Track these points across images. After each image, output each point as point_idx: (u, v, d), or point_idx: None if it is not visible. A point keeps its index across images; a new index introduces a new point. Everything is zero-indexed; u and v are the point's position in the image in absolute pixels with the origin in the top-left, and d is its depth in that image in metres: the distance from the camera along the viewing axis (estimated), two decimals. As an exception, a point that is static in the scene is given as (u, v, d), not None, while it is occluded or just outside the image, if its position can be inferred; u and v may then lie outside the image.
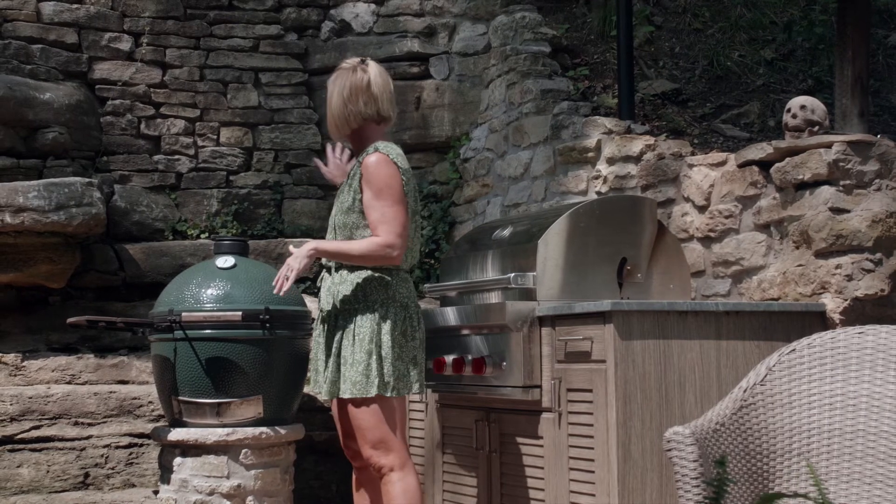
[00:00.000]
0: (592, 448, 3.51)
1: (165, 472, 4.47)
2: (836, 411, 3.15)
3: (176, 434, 4.39)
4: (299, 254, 3.61)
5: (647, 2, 6.85)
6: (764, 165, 4.12)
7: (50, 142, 6.22)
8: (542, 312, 3.78)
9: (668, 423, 3.44)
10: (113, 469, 4.86)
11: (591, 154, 5.32)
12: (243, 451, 4.37)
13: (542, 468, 3.76)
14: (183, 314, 4.35)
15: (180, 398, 4.39)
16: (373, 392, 3.55)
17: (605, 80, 6.17)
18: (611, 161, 5.15)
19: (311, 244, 3.63)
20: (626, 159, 5.05)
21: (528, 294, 3.92)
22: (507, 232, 4.25)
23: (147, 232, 6.40)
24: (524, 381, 3.77)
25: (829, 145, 3.84)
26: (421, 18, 6.84)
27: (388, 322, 3.58)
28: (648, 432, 3.45)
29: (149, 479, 4.87)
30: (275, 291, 3.61)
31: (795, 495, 2.66)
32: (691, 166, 4.55)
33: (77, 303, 5.83)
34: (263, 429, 4.40)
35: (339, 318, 3.65)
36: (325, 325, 3.72)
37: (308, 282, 6.21)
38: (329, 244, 3.65)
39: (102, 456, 4.87)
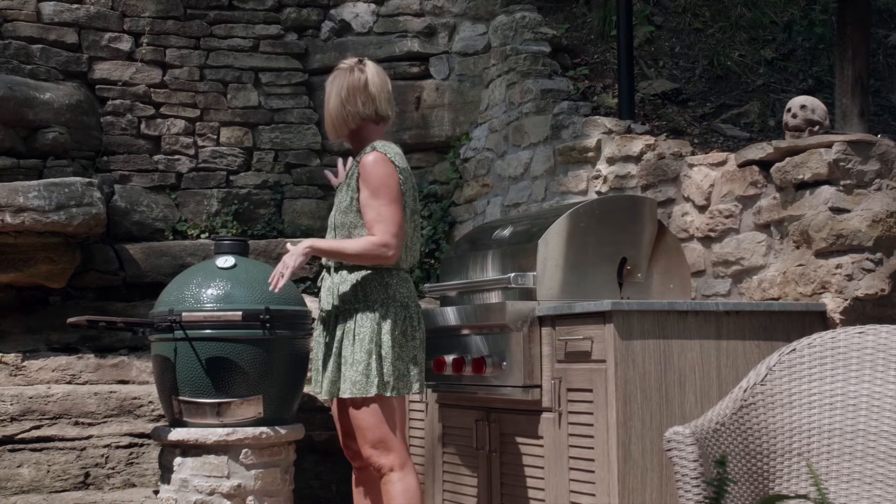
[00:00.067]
0: (592, 448, 3.51)
1: (166, 472, 4.47)
2: (836, 411, 3.15)
3: (176, 434, 4.40)
4: (295, 251, 3.61)
5: (647, 1, 6.85)
6: (764, 165, 4.12)
7: (50, 142, 6.22)
8: (543, 312, 3.78)
9: (668, 423, 3.44)
10: (113, 469, 4.86)
11: (591, 154, 5.32)
12: (243, 450, 4.37)
13: (542, 468, 3.76)
14: (183, 314, 4.35)
15: (180, 398, 4.40)
16: (373, 392, 3.55)
17: (605, 79, 6.17)
18: (611, 161, 5.15)
19: (306, 242, 3.63)
20: (627, 159, 5.05)
21: (529, 294, 3.92)
22: (507, 232, 4.25)
23: (147, 232, 6.40)
24: (524, 380, 3.77)
25: (829, 145, 3.84)
26: (421, 18, 6.84)
27: (388, 322, 3.59)
28: (648, 432, 3.45)
29: (149, 479, 4.87)
30: (270, 288, 3.62)
31: (797, 496, 2.66)
32: (691, 166, 4.55)
33: (77, 303, 5.83)
34: (263, 429, 4.40)
35: (339, 318, 3.65)
36: (326, 325, 3.72)
37: (308, 282, 6.22)
38: (325, 242, 3.66)
39: (103, 456, 4.87)
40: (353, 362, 3.57)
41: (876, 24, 6.40)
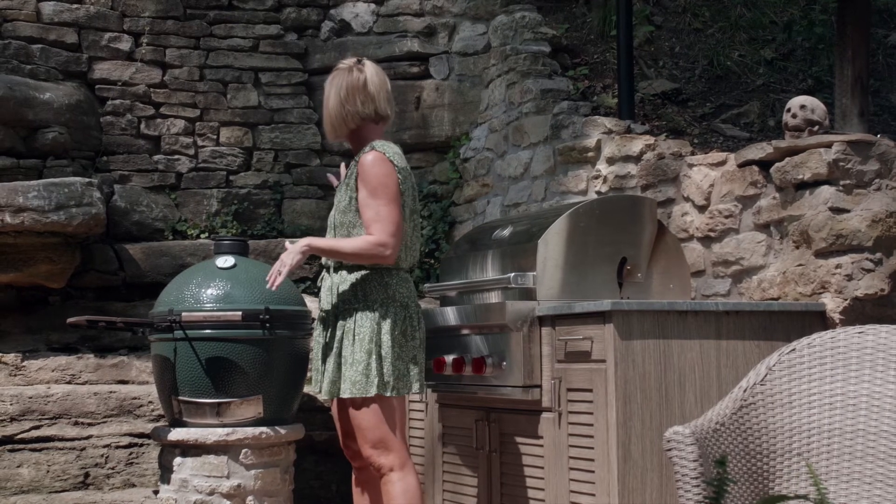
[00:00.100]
0: (592, 448, 3.51)
1: (165, 472, 4.47)
2: (836, 411, 3.15)
3: (176, 434, 4.39)
4: (293, 249, 3.61)
5: (647, 1, 6.85)
6: (764, 165, 4.12)
7: (50, 142, 6.22)
8: (542, 312, 3.78)
9: (668, 423, 3.44)
10: (113, 469, 4.86)
11: (590, 154, 5.32)
12: (243, 450, 4.37)
13: (542, 468, 3.76)
14: (183, 314, 4.35)
15: (180, 398, 4.39)
16: (372, 392, 3.55)
17: (604, 79, 6.17)
18: (611, 161, 5.15)
19: (304, 240, 3.63)
20: (626, 159, 5.05)
21: (528, 294, 3.92)
22: (507, 232, 4.25)
23: (147, 232, 6.40)
24: (524, 380, 3.77)
25: (829, 145, 3.84)
26: (421, 18, 6.84)
27: (388, 322, 3.59)
28: (648, 432, 3.45)
29: (149, 479, 4.87)
30: (268, 286, 3.62)
31: (796, 496, 2.66)
32: (691, 166, 4.55)
33: (77, 303, 5.83)
34: (263, 429, 4.40)
35: (339, 318, 3.65)
36: (326, 325, 3.72)
37: (308, 282, 6.22)
38: (322, 241, 3.66)
39: (102, 456, 4.87)
40: (352, 362, 3.57)
41: (876, 24, 6.40)
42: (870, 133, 4.21)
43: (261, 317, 4.35)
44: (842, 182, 3.83)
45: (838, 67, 5.15)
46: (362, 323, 3.59)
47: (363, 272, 3.64)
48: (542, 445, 3.76)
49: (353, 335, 3.59)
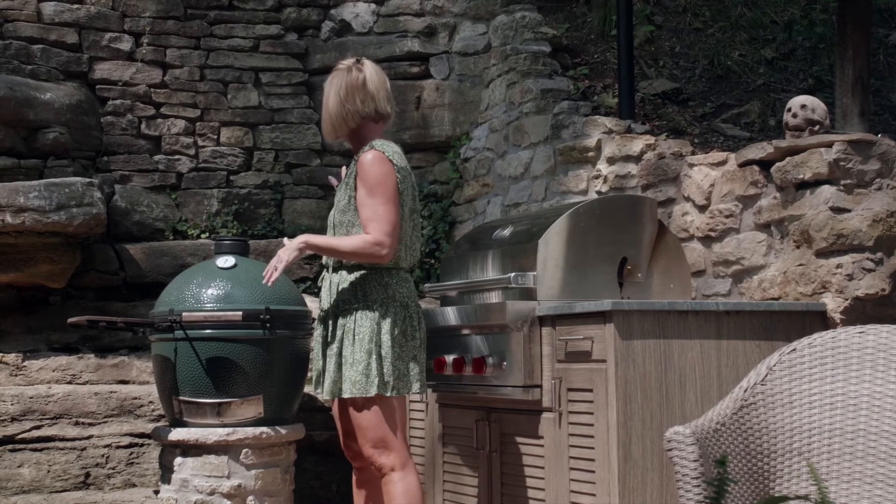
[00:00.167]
0: (593, 448, 3.51)
1: (166, 472, 4.47)
2: (836, 411, 3.15)
3: (176, 434, 4.40)
4: (290, 246, 3.62)
5: (648, 1, 6.85)
6: (764, 165, 4.12)
7: (50, 142, 6.22)
8: (543, 312, 3.78)
9: (668, 423, 3.44)
10: (114, 469, 4.87)
11: (591, 154, 5.32)
12: (244, 450, 4.37)
13: (542, 468, 3.76)
14: (183, 314, 4.35)
15: (181, 398, 4.39)
16: (373, 392, 3.55)
17: (605, 79, 6.16)
18: (611, 161, 5.15)
19: (301, 237, 3.64)
20: (627, 159, 5.05)
21: (529, 294, 3.92)
22: (507, 231, 4.25)
23: (147, 232, 6.40)
24: (524, 380, 3.76)
25: (829, 144, 3.84)
26: (421, 18, 6.84)
27: (388, 321, 3.59)
28: (649, 432, 3.45)
29: (149, 479, 4.87)
30: (264, 282, 3.62)
31: (797, 497, 2.66)
32: (692, 166, 4.55)
33: (77, 303, 5.83)
34: (264, 429, 4.40)
35: (339, 318, 3.65)
36: (326, 325, 3.72)
37: (308, 282, 6.22)
38: (319, 238, 3.66)
39: (103, 456, 4.87)
40: (353, 362, 3.57)
41: (876, 23, 6.39)
42: (870, 133, 4.21)
43: (261, 317, 4.35)
44: (842, 182, 3.82)
45: (839, 67, 5.15)
46: (362, 323, 3.59)
47: (363, 272, 3.64)
48: (542, 445, 3.76)
49: (353, 335, 3.59)
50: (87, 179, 5.57)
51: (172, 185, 6.65)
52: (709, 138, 5.43)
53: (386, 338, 3.57)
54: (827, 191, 3.84)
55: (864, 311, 3.74)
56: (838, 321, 3.74)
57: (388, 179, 3.58)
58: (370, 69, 3.72)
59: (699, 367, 3.54)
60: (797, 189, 3.95)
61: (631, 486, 3.41)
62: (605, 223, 4.06)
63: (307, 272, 6.25)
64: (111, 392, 5.00)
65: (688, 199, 4.54)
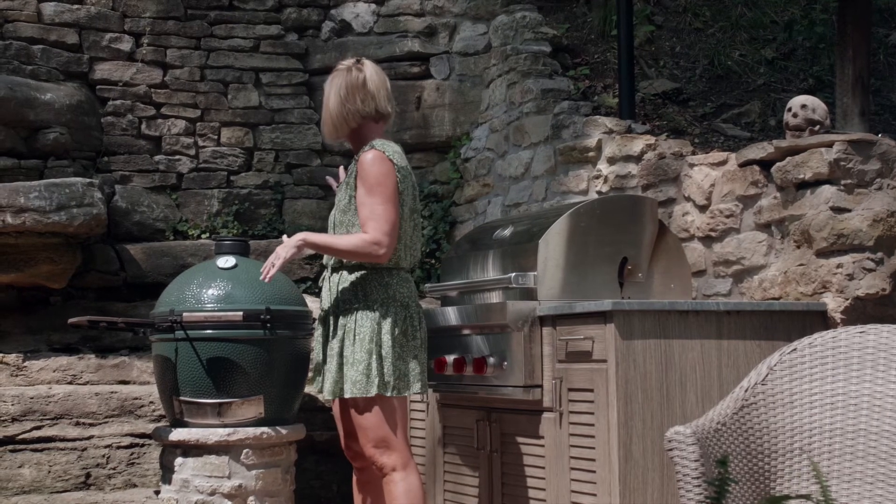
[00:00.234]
0: (593, 448, 3.51)
1: (167, 473, 4.47)
2: (837, 411, 3.15)
3: (177, 434, 4.40)
4: (288, 243, 3.62)
5: (648, 1, 6.85)
6: (765, 165, 4.12)
7: (51, 142, 6.22)
8: (543, 312, 3.78)
9: (669, 423, 3.44)
10: (114, 469, 4.87)
11: (591, 154, 5.32)
12: (244, 451, 4.37)
13: (543, 468, 3.76)
14: (184, 314, 4.35)
15: (181, 398, 4.40)
16: (373, 392, 3.55)
17: (605, 79, 6.17)
18: (611, 161, 5.15)
19: (300, 235, 3.64)
20: (627, 159, 5.05)
21: (529, 294, 3.92)
22: (507, 232, 4.25)
23: (148, 232, 6.40)
24: (525, 380, 3.76)
25: (829, 144, 3.84)
26: (421, 18, 6.84)
27: (389, 321, 3.59)
28: (650, 432, 3.45)
29: (150, 480, 4.87)
30: (261, 278, 3.62)
31: (799, 496, 2.66)
32: (692, 166, 4.55)
33: (78, 303, 5.83)
34: (264, 429, 4.40)
35: (339, 318, 3.65)
36: (326, 325, 3.72)
37: (309, 282, 6.22)
38: (317, 236, 3.66)
39: (104, 456, 4.87)
40: (353, 362, 3.57)
41: (876, 23, 6.40)
42: (871, 132, 4.21)
43: (262, 317, 4.35)
44: (843, 181, 3.82)
45: (839, 67, 5.15)
46: (363, 323, 3.59)
47: (364, 272, 3.64)
48: (543, 445, 3.76)
49: (354, 335, 3.59)
50: (88, 180, 5.57)
51: (173, 186, 6.66)
52: (709, 138, 5.43)
53: (386, 338, 3.57)
54: (827, 191, 3.84)
55: (864, 311, 3.75)
56: (839, 321, 3.74)
57: (388, 179, 3.58)
58: (370, 69, 3.73)
59: (700, 366, 3.54)
60: (797, 189, 3.95)
61: (632, 486, 3.41)
62: (605, 223, 4.06)
63: (308, 272, 6.25)
64: (112, 392, 5.00)
65: (688, 199, 4.54)
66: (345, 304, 3.64)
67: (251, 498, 4.37)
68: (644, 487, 3.42)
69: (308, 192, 6.83)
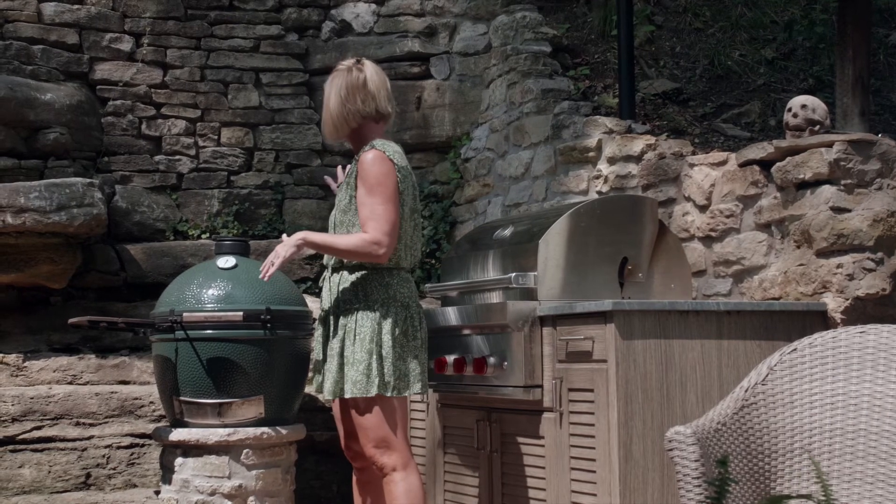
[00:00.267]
0: (594, 448, 3.51)
1: (167, 473, 4.47)
2: (837, 411, 3.15)
3: (177, 434, 4.40)
4: (288, 242, 3.62)
5: (648, 1, 6.85)
6: (765, 165, 4.12)
7: (51, 142, 6.22)
8: (544, 312, 3.78)
9: (669, 423, 3.44)
10: (114, 469, 4.87)
11: (591, 154, 5.32)
12: (245, 451, 4.37)
13: (543, 468, 3.76)
14: (184, 314, 4.35)
15: (182, 398, 4.40)
16: (373, 392, 3.55)
17: (605, 79, 6.17)
18: (612, 161, 5.15)
19: (300, 234, 3.64)
20: (627, 159, 5.05)
21: (529, 294, 3.92)
22: (507, 232, 4.25)
23: (148, 232, 6.40)
24: (525, 380, 3.76)
25: (830, 144, 3.84)
26: (421, 18, 6.84)
27: (389, 322, 3.59)
28: (650, 432, 3.45)
29: (150, 480, 4.87)
30: (260, 276, 3.63)
31: (800, 496, 2.66)
32: (692, 166, 4.55)
33: (78, 303, 5.83)
34: (265, 429, 4.40)
35: (340, 318, 3.65)
36: (327, 325, 3.72)
37: (309, 282, 6.22)
38: (317, 236, 3.66)
39: (104, 456, 4.87)
40: (353, 362, 3.57)
41: (877, 23, 6.40)
42: (871, 132, 4.21)
43: (262, 317, 4.35)
44: (843, 181, 3.82)
45: (839, 67, 5.15)
46: (363, 323, 3.59)
47: (364, 272, 3.65)
48: (543, 445, 3.76)
49: (355, 335, 3.59)
50: (88, 180, 5.57)
51: (173, 186, 6.66)
52: (709, 138, 5.43)
53: (387, 338, 3.57)
54: (827, 191, 3.84)
55: (864, 311, 3.75)
56: (839, 321, 3.74)
57: (388, 179, 3.58)
58: (370, 69, 3.73)
59: (700, 366, 3.54)
60: (797, 189, 3.95)
61: (632, 486, 3.41)
62: (605, 223, 4.06)
63: (308, 272, 6.25)
64: (112, 392, 5.00)
65: (688, 199, 4.54)
66: (345, 304, 3.64)
67: (251, 498, 4.37)
68: (644, 487, 3.42)
69: (308, 192, 6.83)
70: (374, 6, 6.93)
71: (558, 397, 3.67)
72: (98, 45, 6.65)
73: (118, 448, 4.89)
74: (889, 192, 3.83)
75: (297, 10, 6.97)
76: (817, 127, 3.98)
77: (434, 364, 4.11)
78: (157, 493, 4.68)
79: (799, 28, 6.52)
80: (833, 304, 3.76)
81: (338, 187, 3.87)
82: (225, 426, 4.37)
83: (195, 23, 6.83)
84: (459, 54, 6.75)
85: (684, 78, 6.25)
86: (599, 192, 5.19)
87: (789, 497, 2.52)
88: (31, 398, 4.89)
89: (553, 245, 3.94)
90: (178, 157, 6.70)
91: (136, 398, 5.00)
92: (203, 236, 6.49)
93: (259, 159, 6.83)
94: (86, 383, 5.26)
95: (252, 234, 6.58)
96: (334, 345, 3.64)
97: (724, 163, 4.37)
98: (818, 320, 3.76)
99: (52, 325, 5.66)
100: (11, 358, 5.27)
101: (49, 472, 4.80)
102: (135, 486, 4.87)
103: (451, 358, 4.07)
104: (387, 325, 3.58)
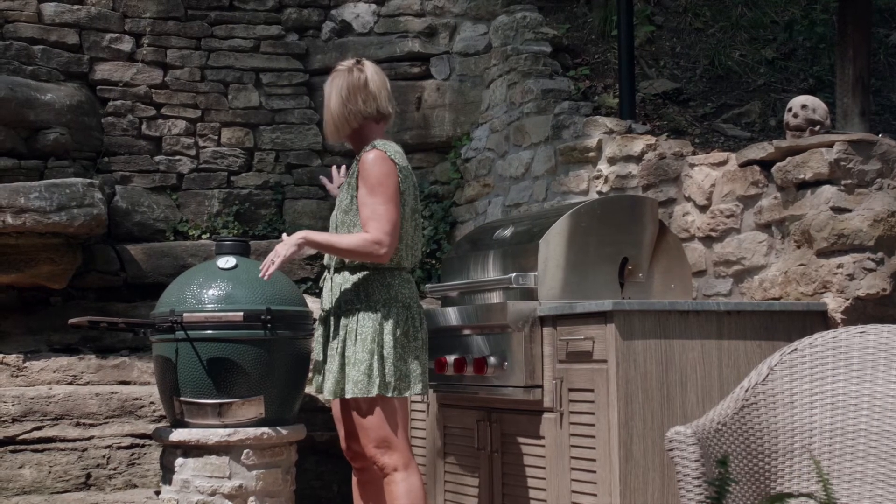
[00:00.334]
0: (594, 448, 3.51)
1: (167, 473, 4.47)
2: (837, 411, 3.15)
3: (177, 434, 4.40)
4: (289, 241, 3.62)
5: (648, 1, 6.85)
6: (765, 165, 4.12)
7: (51, 143, 6.22)
8: (544, 312, 3.78)
9: (669, 423, 3.44)
10: (115, 470, 4.87)
11: (592, 154, 5.32)
12: (245, 451, 4.37)
13: (543, 468, 3.76)
14: (184, 315, 4.35)
15: (182, 399, 4.40)
16: (374, 392, 3.55)
17: (605, 79, 6.17)
18: (612, 161, 5.15)
19: (301, 233, 3.65)
20: (627, 159, 5.05)
21: (530, 294, 3.92)
22: (508, 232, 4.25)
23: (148, 232, 6.40)
24: (525, 381, 3.76)
25: (830, 144, 3.84)
26: (422, 18, 6.84)
27: (391, 322, 3.59)
28: (650, 432, 3.45)
29: (150, 480, 4.87)
30: (260, 275, 3.62)
31: (801, 495, 2.66)
32: (692, 166, 4.55)
33: (78, 303, 5.83)
34: (265, 429, 4.40)
35: (341, 318, 3.65)
36: (328, 325, 3.72)
37: (309, 282, 6.22)
38: (318, 235, 3.67)
39: (104, 457, 4.87)
40: (355, 362, 3.57)
41: (877, 23, 6.40)
42: (871, 132, 4.21)
43: (262, 317, 4.35)
44: (843, 182, 3.82)
45: (839, 67, 5.15)
46: (364, 323, 3.59)
47: (365, 272, 3.65)
48: (543, 446, 3.76)
49: (356, 335, 3.59)
50: (88, 180, 5.57)
51: (173, 186, 6.66)
52: (709, 138, 5.43)
53: (388, 338, 3.57)
54: (828, 191, 3.84)
55: (864, 311, 3.75)
56: (839, 321, 3.74)
57: (390, 179, 3.58)
58: (371, 69, 3.73)
59: (700, 367, 3.54)
60: (798, 189, 3.95)
61: (632, 486, 3.41)
62: (605, 223, 4.06)
63: (308, 272, 6.25)
64: (112, 393, 5.00)
65: (689, 199, 4.54)
66: (347, 304, 3.64)
67: (252, 498, 4.37)
68: (644, 487, 3.42)
69: (308, 192, 6.83)
70: (374, 6, 6.93)
71: (558, 397, 3.67)
72: (98, 45, 6.65)
73: (118, 448, 4.89)
74: (889, 192, 3.83)
75: (298, 11, 6.97)
76: (818, 127, 3.98)
77: (434, 364, 4.11)
78: (158, 493, 4.68)
79: (799, 28, 6.52)
80: (833, 304, 3.76)
81: (338, 188, 3.87)
82: (225, 426, 4.37)
83: (195, 23, 6.83)
84: (460, 54, 6.75)
85: (684, 78, 6.25)
86: (600, 193, 5.19)
87: (790, 496, 2.52)
88: (32, 398, 4.89)
89: (553, 245, 3.94)
90: (178, 157, 6.70)
91: (136, 398, 5.00)
92: (203, 236, 6.49)
93: (259, 159, 6.83)
94: (86, 384, 5.26)
95: (252, 234, 6.58)
96: (335, 345, 3.64)
97: (724, 163, 4.37)
98: (818, 320, 3.76)
99: (53, 325, 5.66)
100: (11, 358, 5.27)
101: (49, 472, 4.80)
102: (135, 486, 4.87)
103: (451, 358, 4.07)
104: (388, 325, 3.58)
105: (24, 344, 5.59)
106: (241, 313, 4.34)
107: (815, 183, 3.88)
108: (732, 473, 3.03)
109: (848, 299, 3.74)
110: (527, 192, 5.88)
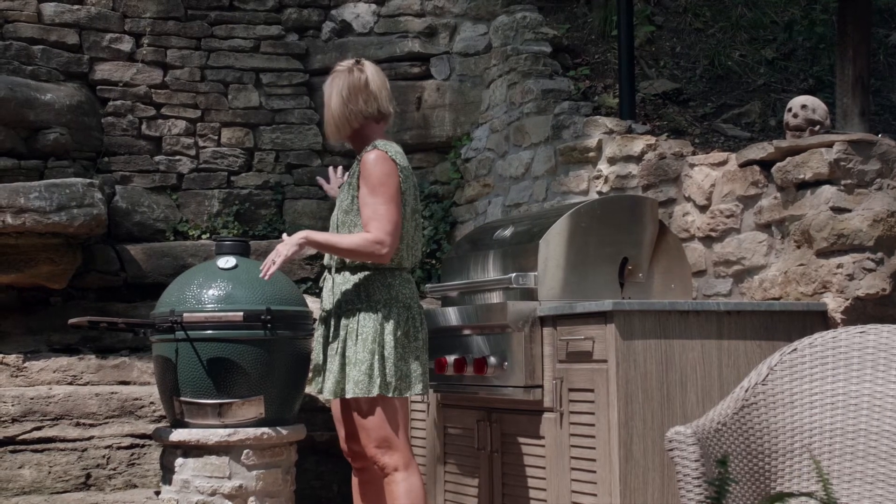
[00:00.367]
0: (594, 448, 3.51)
1: (167, 473, 4.47)
2: (837, 411, 3.15)
3: (177, 435, 4.40)
4: (290, 241, 3.63)
5: (648, 1, 6.86)
6: (765, 165, 4.12)
7: (51, 143, 6.22)
8: (544, 312, 3.78)
9: (669, 423, 3.44)
10: (115, 470, 4.87)
11: (592, 154, 5.32)
12: (245, 451, 4.37)
13: (543, 468, 3.76)
14: (184, 315, 4.35)
15: (182, 399, 4.40)
16: (375, 392, 3.55)
17: (605, 79, 6.17)
18: (612, 161, 5.15)
19: (302, 233, 3.65)
20: (627, 159, 5.05)
21: (530, 294, 3.92)
22: (508, 232, 4.26)
23: (148, 232, 6.40)
24: (526, 381, 3.77)
25: (830, 145, 3.84)
26: (422, 19, 6.84)
27: (391, 322, 3.59)
28: (650, 432, 3.45)
29: (150, 480, 4.87)
30: (261, 275, 3.63)
31: (801, 495, 2.66)
32: (692, 166, 4.55)
33: (78, 303, 5.83)
34: (265, 429, 4.40)
35: (342, 318, 3.65)
36: (328, 326, 3.72)
37: (309, 282, 6.22)
38: (319, 235, 3.67)
39: (104, 457, 4.87)
40: (356, 362, 3.57)
41: (877, 23, 6.40)
42: (871, 133, 4.21)
43: (262, 317, 4.35)
44: (843, 182, 3.82)
45: (839, 67, 5.15)
46: (365, 323, 3.59)
47: (366, 272, 3.65)
48: (543, 446, 3.76)
49: (357, 335, 3.59)
50: (88, 180, 5.57)
51: (173, 186, 6.66)
52: (709, 138, 5.43)
53: (389, 338, 3.57)
54: (827, 191, 3.84)
55: (864, 311, 3.75)
56: (839, 321, 3.74)
57: (391, 179, 3.58)
58: (371, 69, 3.74)
59: (700, 367, 3.54)
60: (798, 189, 3.95)
61: (632, 486, 3.41)
62: (605, 223, 4.06)
63: (308, 272, 6.25)
64: (112, 393, 5.00)
65: (688, 199, 4.54)
66: (347, 304, 3.64)
67: (252, 498, 4.37)
68: (645, 487, 3.42)
69: (308, 192, 6.83)
70: (374, 6, 6.93)
71: (558, 397, 3.67)
72: (98, 45, 6.65)
73: (118, 448, 4.89)
74: (889, 192, 3.83)
75: (298, 11, 6.97)
76: (817, 127, 3.98)
77: (434, 364, 4.11)
78: (158, 493, 4.68)
79: (799, 28, 6.52)
80: (833, 304, 3.76)
81: (339, 188, 3.87)
82: (225, 426, 4.37)
83: (195, 23, 6.83)
84: (460, 54, 6.75)
85: (684, 78, 6.25)
86: (600, 193, 5.19)
87: (791, 495, 2.52)
88: (32, 399, 4.89)
89: (553, 245, 3.94)
90: (178, 157, 6.70)
91: (136, 398, 5.00)
92: (203, 236, 6.49)
93: (259, 159, 6.83)
94: (86, 384, 5.26)
95: (252, 234, 6.58)
96: (336, 345, 3.64)
97: (724, 163, 4.37)
98: (818, 320, 3.76)
99: (52, 325, 5.66)
100: (11, 358, 5.27)
101: (49, 472, 4.80)
102: (135, 486, 4.87)
103: (451, 358, 4.07)
104: (389, 325, 3.58)
105: (24, 344, 5.59)
106: (241, 313, 4.34)
107: (815, 183, 3.88)
108: (732, 473, 3.03)
109: (848, 299, 3.74)
110: (527, 192, 5.88)
